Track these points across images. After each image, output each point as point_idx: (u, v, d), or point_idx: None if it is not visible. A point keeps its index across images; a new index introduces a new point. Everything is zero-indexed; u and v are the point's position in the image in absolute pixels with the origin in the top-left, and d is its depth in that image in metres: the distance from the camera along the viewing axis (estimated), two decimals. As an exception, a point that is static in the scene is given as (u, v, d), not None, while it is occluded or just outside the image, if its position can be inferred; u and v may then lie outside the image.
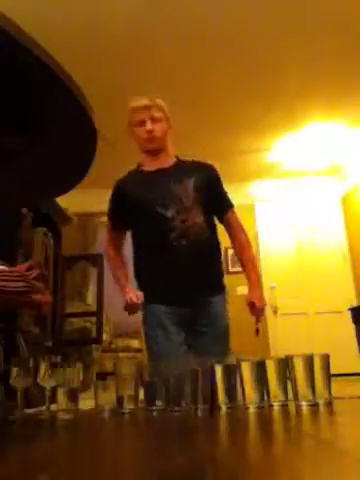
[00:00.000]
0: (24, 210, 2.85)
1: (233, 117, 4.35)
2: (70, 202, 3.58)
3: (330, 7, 3.02)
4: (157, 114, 1.85)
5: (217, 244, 1.93)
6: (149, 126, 1.83)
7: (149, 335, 1.82)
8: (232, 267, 5.36)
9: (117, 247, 2.01)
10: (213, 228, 1.91)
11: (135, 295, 1.81)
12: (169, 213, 1.79)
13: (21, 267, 1.51)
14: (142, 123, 1.85)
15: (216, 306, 1.83)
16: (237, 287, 5.22)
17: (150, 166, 1.92)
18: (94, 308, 3.86)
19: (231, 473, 0.57)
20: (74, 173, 1.43)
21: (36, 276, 1.50)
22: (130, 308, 1.83)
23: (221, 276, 1.93)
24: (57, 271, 3.49)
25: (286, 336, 4.87)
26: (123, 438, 0.96)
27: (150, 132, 1.84)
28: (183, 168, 1.91)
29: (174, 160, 1.95)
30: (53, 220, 3.49)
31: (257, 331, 1.89)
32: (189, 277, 1.79)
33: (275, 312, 5.17)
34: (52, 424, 1.17)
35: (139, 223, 1.89)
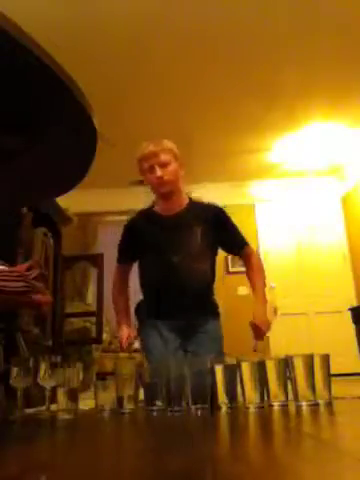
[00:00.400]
0: (24, 210, 2.85)
1: (233, 117, 4.35)
2: (70, 202, 3.57)
3: (330, 7, 3.02)
4: (165, 158, 1.87)
5: (213, 280, 2.01)
6: (158, 173, 1.86)
7: (146, 343, 1.90)
8: (232, 267, 5.36)
9: (125, 283, 2.09)
10: (214, 270, 2.00)
11: (126, 335, 1.94)
12: (177, 258, 1.87)
13: (21, 267, 1.52)
14: (152, 169, 1.87)
15: (212, 323, 1.93)
16: (237, 287, 5.25)
17: (164, 210, 1.98)
18: (94, 308, 3.86)
19: (231, 473, 0.57)
20: (74, 173, 1.42)
21: (36, 276, 1.50)
22: (121, 345, 1.97)
23: (217, 307, 2.01)
24: (57, 271, 3.49)
25: (286, 336, 4.87)
26: (123, 438, 0.96)
27: (160, 178, 1.86)
28: (194, 212, 1.97)
29: (186, 202, 2.00)
30: (53, 220, 3.48)
31: (255, 349, 1.92)
32: (189, 308, 1.87)
33: (275, 312, 5.17)
34: (52, 424, 1.17)
35: (148, 261, 1.98)
